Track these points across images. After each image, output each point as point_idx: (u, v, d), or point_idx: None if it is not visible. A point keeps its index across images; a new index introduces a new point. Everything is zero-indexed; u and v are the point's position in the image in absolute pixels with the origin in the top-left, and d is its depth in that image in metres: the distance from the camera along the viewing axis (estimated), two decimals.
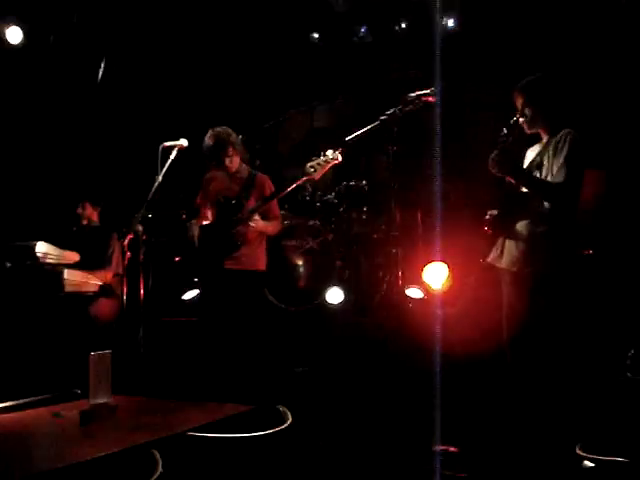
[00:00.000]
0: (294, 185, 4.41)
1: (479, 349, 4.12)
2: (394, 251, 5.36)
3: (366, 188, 5.75)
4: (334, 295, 5.38)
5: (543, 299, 3.54)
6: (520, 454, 3.31)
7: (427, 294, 5.40)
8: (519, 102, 3.71)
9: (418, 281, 5.27)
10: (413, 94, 4.35)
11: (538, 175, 3.61)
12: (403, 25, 6.65)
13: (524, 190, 3.63)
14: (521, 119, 3.67)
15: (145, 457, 3.14)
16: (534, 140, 3.85)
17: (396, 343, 4.88)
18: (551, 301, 3.55)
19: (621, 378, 4.18)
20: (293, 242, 5.73)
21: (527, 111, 3.67)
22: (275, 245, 5.74)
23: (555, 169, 3.53)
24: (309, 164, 4.31)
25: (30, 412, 3.83)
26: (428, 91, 4.29)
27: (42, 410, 3.83)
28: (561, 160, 3.52)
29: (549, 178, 3.55)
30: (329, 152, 4.30)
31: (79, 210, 5.43)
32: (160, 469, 3.05)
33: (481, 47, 6.51)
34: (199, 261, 4.65)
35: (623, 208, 5.47)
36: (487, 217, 3.76)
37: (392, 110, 4.30)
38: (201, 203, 4.77)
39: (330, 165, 4.30)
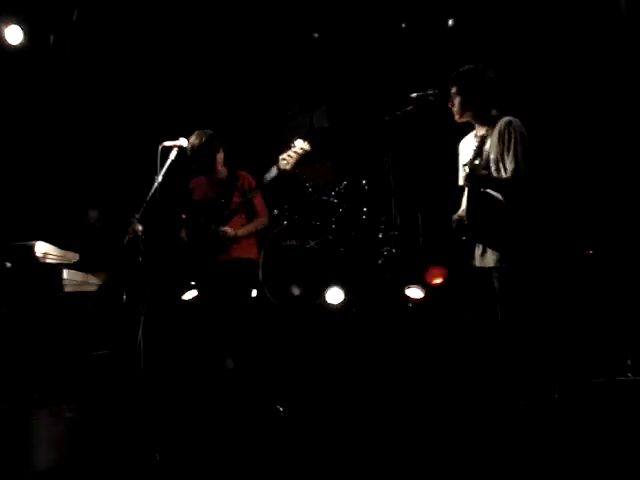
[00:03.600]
0: (270, 179, 4.41)
1: (476, 348, 4.13)
2: (394, 251, 5.38)
3: (366, 188, 5.75)
4: (334, 295, 5.38)
5: (533, 290, 3.60)
6: (520, 454, 3.31)
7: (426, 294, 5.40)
8: (451, 92, 3.77)
9: (417, 281, 5.28)
10: (415, 94, 4.36)
11: (497, 170, 3.64)
12: (404, 25, 6.65)
13: (488, 191, 3.65)
14: (454, 109, 3.73)
15: (145, 456, 3.15)
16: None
17: (396, 343, 4.89)
18: (541, 291, 3.61)
19: (621, 378, 4.18)
20: (293, 242, 5.73)
21: (457, 100, 3.73)
22: (275, 245, 5.74)
23: (508, 164, 3.58)
24: (281, 157, 4.35)
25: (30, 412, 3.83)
26: (430, 91, 4.30)
27: (42, 410, 3.84)
28: (511, 155, 3.57)
29: (505, 174, 3.60)
30: (298, 142, 4.35)
31: (91, 214, 5.40)
32: (160, 467, 3.05)
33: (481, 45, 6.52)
34: (192, 261, 4.70)
35: (623, 208, 5.48)
36: (454, 220, 3.80)
37: (395, 111, 4.30)
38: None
39: (300, 155, 4.32)
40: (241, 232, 4.59)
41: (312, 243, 5.56)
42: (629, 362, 4.27)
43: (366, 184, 5.77)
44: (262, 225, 4.75)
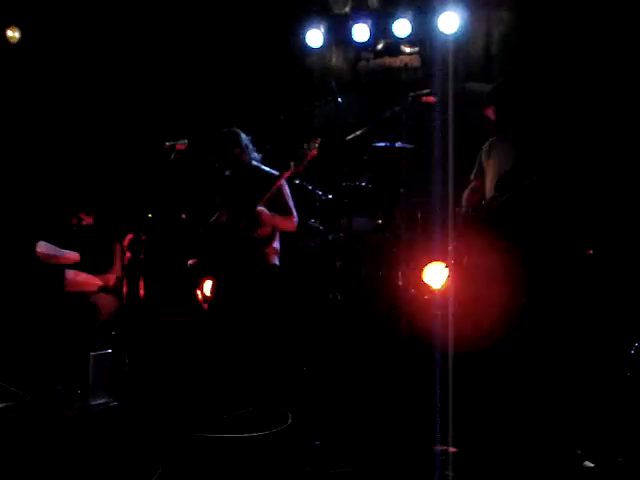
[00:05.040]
0: (281, 180, 4.55)
1: (478, 348, 4.13)
2: (394, 251, 5.38)
3: (367, 188, 5.74)
4: (334, 295, 5.38)
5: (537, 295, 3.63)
6: (520, 454, 3.31)
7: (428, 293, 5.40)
8: (489, 109, 3.81)
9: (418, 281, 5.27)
10: (413, 93, 4.37)
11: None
12: (403, 25, 6.63)
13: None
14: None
15: (145, 457, 3.14)
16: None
17: (396, 342, 4.88)
18: (544, 296, 3.64)
19: (621, 378, 4.18)
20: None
21: (497, 115, 3.77)
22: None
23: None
24: (292, 162, 4.50)
25: (31, 412, 3.83)
26: (428, 90, 4.31)
27: (42, 409, 3.83)
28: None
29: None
30: (306, 145, 4.50)
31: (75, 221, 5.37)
32: (160, 469, 3.05)
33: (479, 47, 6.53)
34: (209, 259, 4.71)
35: (623, 208, 5.48)
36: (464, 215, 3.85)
37: (392, 110, 4.31)
38: (219, 204, 4.86)
39: (309, 156, 4.48)
40: (276, 218, 4.60)
41: (312, 243, 5.56)
42: (629, 362, 4.27)
43: (367, 184, 5.77)
44: (288, 224, 4.75)
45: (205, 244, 4.75)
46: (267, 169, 4.74)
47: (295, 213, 4.76)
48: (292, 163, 4.46)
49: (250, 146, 4.74)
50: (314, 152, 4.48)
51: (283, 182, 4.67)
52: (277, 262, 4.74)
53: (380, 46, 7.03)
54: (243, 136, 4.71)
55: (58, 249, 4.89)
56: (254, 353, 4.47)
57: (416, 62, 6.95)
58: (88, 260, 5.07)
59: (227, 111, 6.46)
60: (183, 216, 5.72)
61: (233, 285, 4.56)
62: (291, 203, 4.73)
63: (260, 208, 4.48)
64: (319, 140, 4.51)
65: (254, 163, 4.75)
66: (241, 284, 4.54)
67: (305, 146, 4.49)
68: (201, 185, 5.34)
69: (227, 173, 4.79)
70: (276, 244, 4.74)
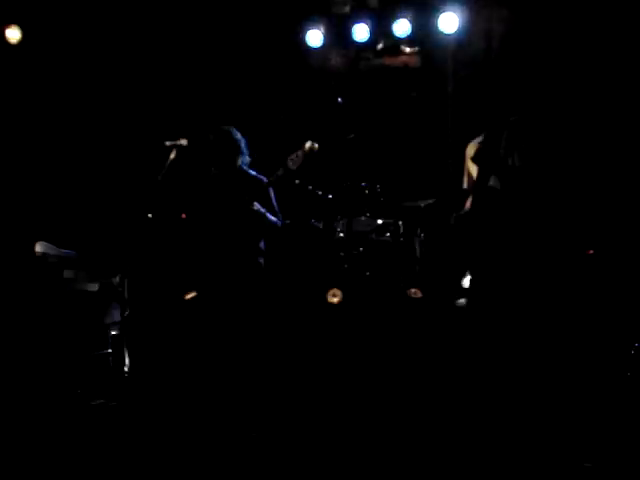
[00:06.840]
0: (276, 178, 4.50)
1: (479, 348, 4.13)
2: (395, 251, 5.39)
3: (367, 188, 5.75)
4: (335, 295, 5.38)
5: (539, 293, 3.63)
6: (520, 453, 3.31)
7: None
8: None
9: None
10: (414, 93, 4.37)
11: None
12: (403, 25, 6.63)
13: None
14: None
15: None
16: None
17: (396, 343, 4.89)
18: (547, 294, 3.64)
19: (621, 378, 4.18)
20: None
21: None
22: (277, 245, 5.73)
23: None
24: (289, 157, 4.43)
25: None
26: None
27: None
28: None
29: None
30: (307, 143, 4.43)
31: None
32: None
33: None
34: (199, 261, 4.68)
35: (623, 208, 5.48)
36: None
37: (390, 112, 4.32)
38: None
39: (307, 154, 4.42)
40: (267, 215, 4.60)
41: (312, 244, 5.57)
42: (629, 361, 4.27)
43: (367, 184, 5.77)
44: (277, 224, 4.73)
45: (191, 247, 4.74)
46: (254, 173, 4.72)
47: (279, 213, 4.78)
48: (290, 162, 4.42)
49: (244, 148, 4.72)
50: (314, 150, 4.44)
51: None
52: (262, 262, 4.72)
53: (380, 46, 7.03)
54: (238, 136, 4.68)
55: (58, 249, 4.89)
56: (247, 353, 4.47)
57: (416, 62, 6.95)
58: (89, 259, 5.08)
59: (225, 111, 6.45)
60: (183, 216, 5.71)
61: (221, 285, 4.54)
62: (275, 203, 4.74)
63: (256, 204, 4.48)
64: (315, 145, 4.47)
65: (243, 167, 4.72)
66: (229, 284, 4.53)
67: (306, 144, 4.45)
68: (198, 184, 5.31)
69: (214, 172, 4.75)
70: (262, 244, 4.73)
